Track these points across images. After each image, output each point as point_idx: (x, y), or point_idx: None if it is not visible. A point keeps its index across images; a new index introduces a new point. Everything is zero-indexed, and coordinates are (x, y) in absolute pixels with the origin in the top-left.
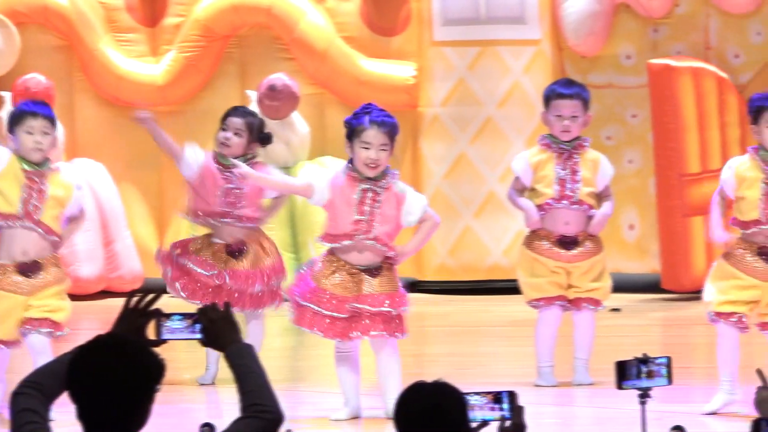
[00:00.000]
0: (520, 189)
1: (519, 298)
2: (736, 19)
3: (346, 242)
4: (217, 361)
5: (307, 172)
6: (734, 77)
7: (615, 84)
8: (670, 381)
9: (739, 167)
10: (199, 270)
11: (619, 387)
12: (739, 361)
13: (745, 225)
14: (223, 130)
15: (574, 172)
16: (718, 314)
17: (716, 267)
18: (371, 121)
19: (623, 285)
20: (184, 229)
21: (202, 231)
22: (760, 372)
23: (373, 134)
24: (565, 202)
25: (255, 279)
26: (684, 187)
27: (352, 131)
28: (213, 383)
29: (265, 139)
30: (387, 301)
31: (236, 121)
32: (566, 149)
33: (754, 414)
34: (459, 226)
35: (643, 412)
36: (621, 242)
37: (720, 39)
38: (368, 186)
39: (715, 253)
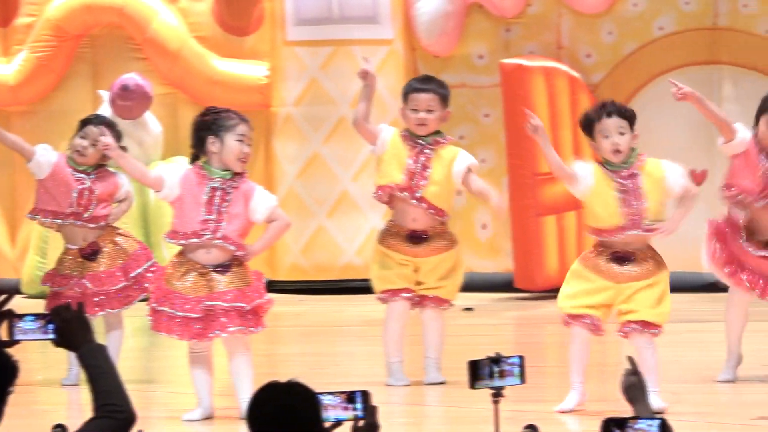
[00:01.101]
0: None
1: (373, 297)
2: (587, 19)
3: (194, 240)
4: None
5: (160, 166)
6: (586, 77)
7: (468, 84)
8: (522, 380)
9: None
10: (59, 289)
11: (472, 387)
12: (592, 360)
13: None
14: (82, 138)
15: (425, 168)
16: (571, 316)
17: (572, 269)
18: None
19: (476, 284)
20: (36, 230)
21: (55, 234)
22: (631, 359)
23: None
24: (406, 193)
25: (115, 278)
26: (537, 187)
27: (219, 126)
28: (77, 384)
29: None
30: (239, 297)
31: (95, 131)
32: (421, 144)
33: (604, 413)
34: (312, 226)
35: (496, 411)
36: (474, 241)
37: (572, 39)
38: (218, 185)
39: (567, 253)
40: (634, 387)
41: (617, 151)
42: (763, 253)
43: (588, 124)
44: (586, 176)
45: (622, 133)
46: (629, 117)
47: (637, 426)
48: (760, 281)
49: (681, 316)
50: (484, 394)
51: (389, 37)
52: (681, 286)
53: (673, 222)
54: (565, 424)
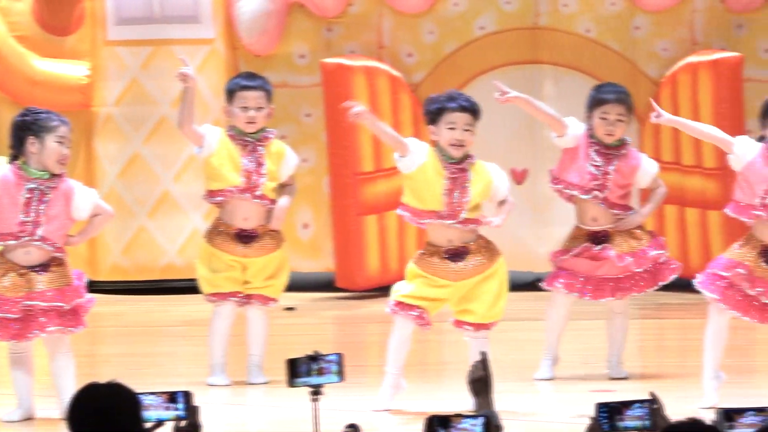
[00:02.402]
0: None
1: (195, 297)
2: (409, 19)
3: (12, 242)
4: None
5: None
6: (407, 76)
7: (289, 83)
8: (341, 378)
9: None
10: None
11: (291, 385)
12: (413, 359)
13: (422, 215)
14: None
15: (260, 164)
16: (399, 304)
17: (408, 270)
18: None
19: (297, 284)
20: None
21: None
22: (483, 354)
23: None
24: (248, 194)
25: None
26: (358, 186)
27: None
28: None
29: None
30: (58, 296)
31: None
32: (250, 141)
33: (427, 412)
34: (133, 226)
35: (315, 409)
36: (295, 241)
37: (393, 38)
38: (36, 185)
39: (388, 253)
40: (480, 381)
41: (460, 146)
42: (586, 245)
43: (437, 112)
44: (419, 152)
45: (467, 130)
46: (477, 116)
47: (461, 425)
48: (580, 280)
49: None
50: (305, 392)
51: (210, 37)
52: None
53: (500, 218)
54: (388, 422)
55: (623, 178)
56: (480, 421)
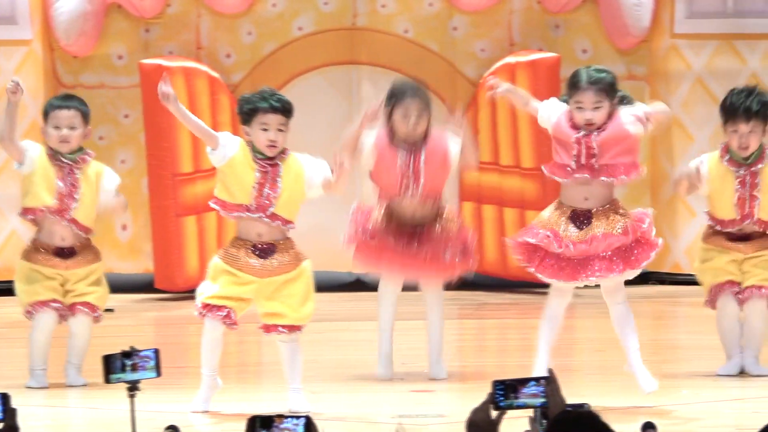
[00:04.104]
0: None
1: (14, 299)
2: (227, 19)
3: None
4: None
5: None
6: (226, 77)
7: (107, 84)
8: (158, 373)
9: None
10: None
11: (107, 381)
12: (230, 361)
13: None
14: None
15: (74, 187)
16: (206, 306)
17: (212, 265)
18: None
19: (116, 285)
20: None
21: None
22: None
23: None
24: (57, 216)
25: None
26: (176, 187)
27: None
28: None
29: None
30: None
31: None
32: (66, 163)
33: (246, 412)
34: None
35: (132, 405)
36: (114, 242)
37: (211, 39)
38: None
39: (208, 254)
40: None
41: (273, 147)
42: (401, 241)
43: (249, 112)
44: (229, 145)
45: (280, 130)
46: (290, 115)
47: (282, 425)
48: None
49: (321, 316)
50: (124, 394)
51: (28, 38)
52: (321, 285)
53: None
54: (206, 423)
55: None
56: (302, 421)
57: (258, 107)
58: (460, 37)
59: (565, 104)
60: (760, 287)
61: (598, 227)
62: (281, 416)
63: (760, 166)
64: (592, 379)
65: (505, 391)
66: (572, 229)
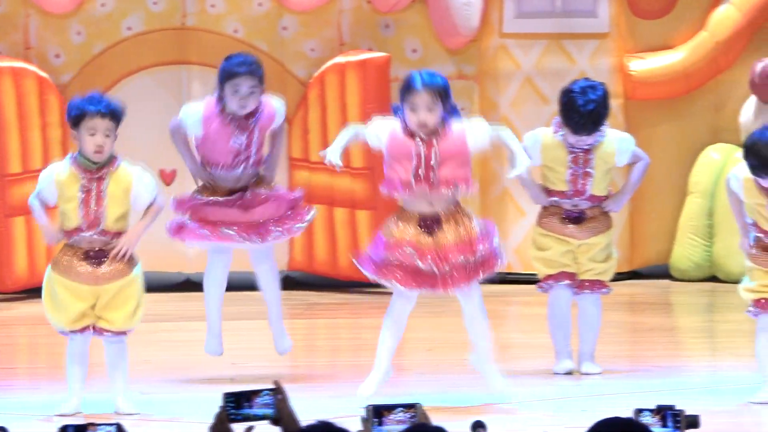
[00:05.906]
0: None
1: None
2: (56, 19)
3: None
4: None
5: None
6: (55, 77)
7: None
8: None
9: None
10: None
11: None
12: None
13: (67, 234)
14: None
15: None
16: (67, 332)
17: (48, 277)
18: None
19: None
20: None
21: None
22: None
23: None
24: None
25: None
26: (6, 188)
27: None
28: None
29: None
30: None
31: None
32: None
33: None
34: None
35: None
36: None
37: (40, 39)
38: None
39: (37, 255)
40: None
41: (99, 152)
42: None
43: (77, 118)
44: (49, 175)
45: (108, 135)
46: (119, 120)
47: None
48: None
49: (154, 317)
50: None
51: None
52: (151, 286)
53: (134, 232)
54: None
55: None
56: (114, 428)
57: (86, 112)
58: (290, 36)
59: (391, 119)
60: (594, 282)
61: (449, 232)
62: (92, 424)
63: (591, 143)
64: (422, 378)
65: (237, 402)
66: (424, 237)
